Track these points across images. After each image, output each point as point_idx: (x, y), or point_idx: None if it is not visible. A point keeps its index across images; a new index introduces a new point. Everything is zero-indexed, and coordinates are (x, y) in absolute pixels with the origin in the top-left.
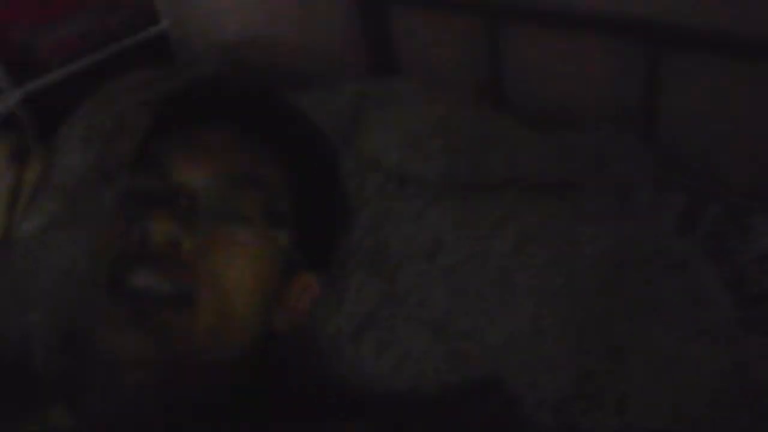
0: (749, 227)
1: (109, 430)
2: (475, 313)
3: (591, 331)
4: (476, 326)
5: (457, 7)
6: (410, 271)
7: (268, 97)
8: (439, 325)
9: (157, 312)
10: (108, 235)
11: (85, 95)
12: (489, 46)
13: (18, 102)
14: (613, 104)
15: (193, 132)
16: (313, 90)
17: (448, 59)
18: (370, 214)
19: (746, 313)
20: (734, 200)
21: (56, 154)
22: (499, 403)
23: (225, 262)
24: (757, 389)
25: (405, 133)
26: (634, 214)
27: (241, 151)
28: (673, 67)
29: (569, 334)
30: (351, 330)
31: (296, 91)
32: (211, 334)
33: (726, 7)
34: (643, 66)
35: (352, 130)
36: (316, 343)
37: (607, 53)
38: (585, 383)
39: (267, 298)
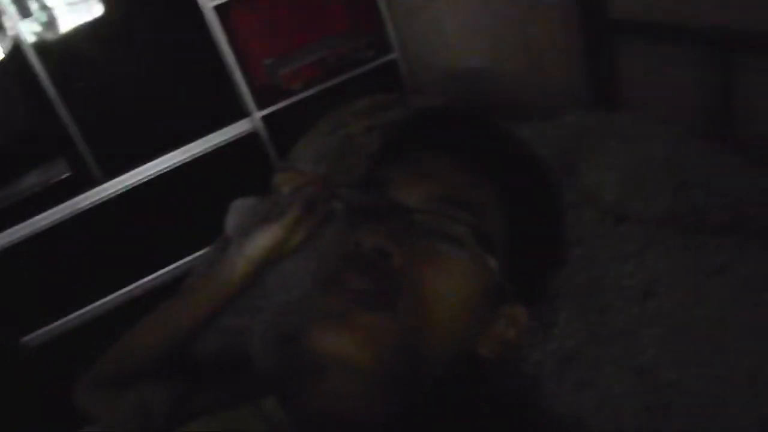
0: None
1: (314, 425)
2: (685, 363)
3: None
4: (684, 377)
5: (687, 38)
6: (620, 312)
7: (492, 128)
8: (644, 371)
9: (360, 313)
10: (333, 244)
11: (319, 116)
12: (721, 79)
13: (260, 122)
14: None
15: (415, 156)
16: (534, 121)
17: (674, 91)
18: (584, 249)
19: None
20: None
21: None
22: None
23: (431, 278)
24: None
25: (626, 169)
26: None
27: (460, 177)
28: None
29: None
30: (553, 365)
31: (518, 122)
32: (408, 341)
33: None
34: None
35: (571, 162)
36: (516, 373)
37: None
38: None
39: (472, 321)
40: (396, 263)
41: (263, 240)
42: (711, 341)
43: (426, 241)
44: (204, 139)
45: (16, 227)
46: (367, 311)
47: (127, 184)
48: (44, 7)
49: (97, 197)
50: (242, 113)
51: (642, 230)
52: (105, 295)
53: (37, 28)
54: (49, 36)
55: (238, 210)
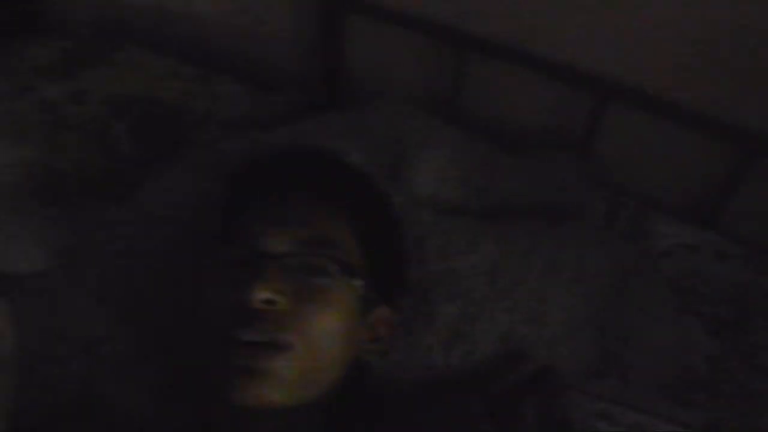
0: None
1: None
2: (529, 322)
3: (606, 326)
4: (531, 330)
5: (423, 28)
6: (478, 295)
7: (336, 164)
8: (505, 334)
9: (266, 360)
10: (214, 297)
11: None
12: (452, 69)
13: None
14: (556, 133)
15: (272, 202)
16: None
17: (404, 73)
18: (433, 245)
19: None
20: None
21: None
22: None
23: (313, 312)
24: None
25: (437, 169)
26: (611, 237)
27: (317, 217)
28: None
29: (591, 330)
30: (441, 345)
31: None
32: (307, 373)
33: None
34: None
35: (397, 167)
36: (410, 360)
37: (556, 92)
38: (602, 359)
39: (350, 336)
40: (282, 308)
41: None
42: (541, 302)
43: (300, 280)
44: None
45: None
46: (272, 358)
47: None
48: None
49: None
50: None
51: (475, 223)
52: None
53: None
54: None
55: None
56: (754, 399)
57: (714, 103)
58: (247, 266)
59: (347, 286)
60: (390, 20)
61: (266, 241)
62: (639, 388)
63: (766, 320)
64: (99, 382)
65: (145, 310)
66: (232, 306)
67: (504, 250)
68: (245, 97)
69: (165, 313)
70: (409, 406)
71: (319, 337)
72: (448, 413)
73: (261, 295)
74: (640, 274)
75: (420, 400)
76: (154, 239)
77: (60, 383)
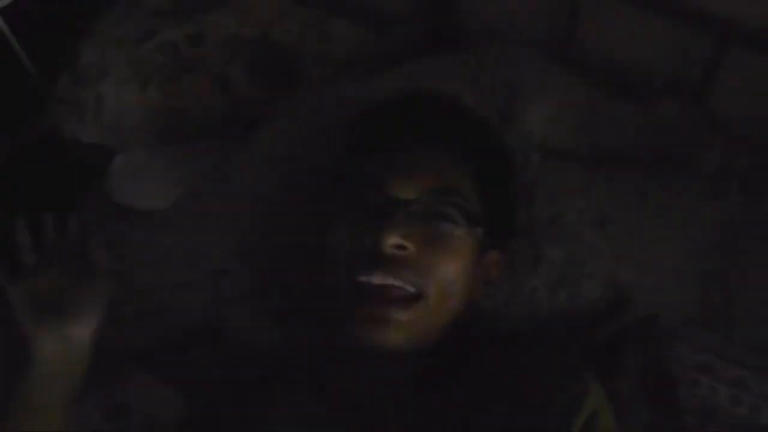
0: None
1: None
2: (635, 269)
3: (713, 278)
4: (637, 277)
5: None
6: (586, 240)
7: (458, 111)
8: (611, 280)
9: (400, 313)
10: (340, 239)
11: None
12: (566, 9)
13: None
14: (672, 78)
15: (399, 149)
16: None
17: (518, 14)
18: (543, 189)
19: None
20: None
21: None
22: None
23: (439, 259)
24: None
25: (549, 113)
26: (723, 189)
27: (443, 165)
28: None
29: (697, 281)
30: (547, 288)
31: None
32: (432, 320)
33: None
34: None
35: (509, 110)
36: (513, 301)
37: (674, 34)
38: (706, 311)
39: (469, 281)
40: (410, 254)
41: None
42: (648, 248)
43: (427, 227)
44: None
45: None
46: (405, 310)
47: None
48: None
49: None
50: None
51: (582, 168)
52: None
53: None
54: None
55: (124, 171)
56: None
57: None
58: (377, 211)
59: (470, 233)
60: None
61: (395, 187)
62: (744, 344)
63: None
64: (223, 309)
65: (265, 246)
66: (361, 249)
67: (613, 197)
68: (358, 37)
69: (284, 251)
70: (510, 345)
71: (444, 283)
72: (549, 355)
73: (393, 240)
74: (752, 229)
75: (521, 340)
76: (272, 179)
77: (186, 308)
